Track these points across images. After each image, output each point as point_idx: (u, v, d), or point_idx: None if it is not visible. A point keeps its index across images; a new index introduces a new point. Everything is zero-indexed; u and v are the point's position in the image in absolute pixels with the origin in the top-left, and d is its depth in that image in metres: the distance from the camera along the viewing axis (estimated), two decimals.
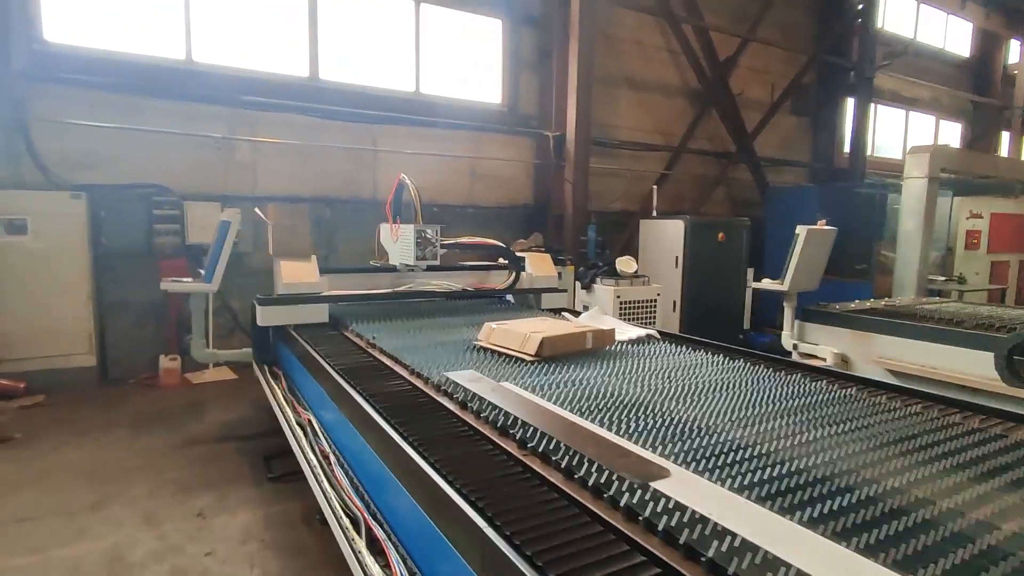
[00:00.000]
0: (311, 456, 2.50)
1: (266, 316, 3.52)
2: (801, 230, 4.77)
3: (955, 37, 12.98)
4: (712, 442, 1.63)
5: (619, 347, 3.03)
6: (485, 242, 4.29)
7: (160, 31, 5.47)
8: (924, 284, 6.37)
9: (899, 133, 12.38)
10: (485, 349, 2.86)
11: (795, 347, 4.95)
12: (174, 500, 3.15)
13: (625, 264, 5.47)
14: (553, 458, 1.48)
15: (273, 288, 3.98)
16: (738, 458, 1.53)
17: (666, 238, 6.40)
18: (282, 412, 3.25)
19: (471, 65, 7.19)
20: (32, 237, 4.82)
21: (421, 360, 2.59)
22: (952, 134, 13.32)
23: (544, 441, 1.58)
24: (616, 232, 7.76)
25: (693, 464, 1.47)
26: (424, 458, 1.51)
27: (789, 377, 2.46)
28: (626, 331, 3.26)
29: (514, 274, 4.37)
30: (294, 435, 2.86)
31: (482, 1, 7.00)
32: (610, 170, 7.84)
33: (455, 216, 6.72)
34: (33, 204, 4.83)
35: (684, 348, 3.08)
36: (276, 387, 3.62)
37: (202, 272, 3.96)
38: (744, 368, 2.62)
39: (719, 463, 1.49)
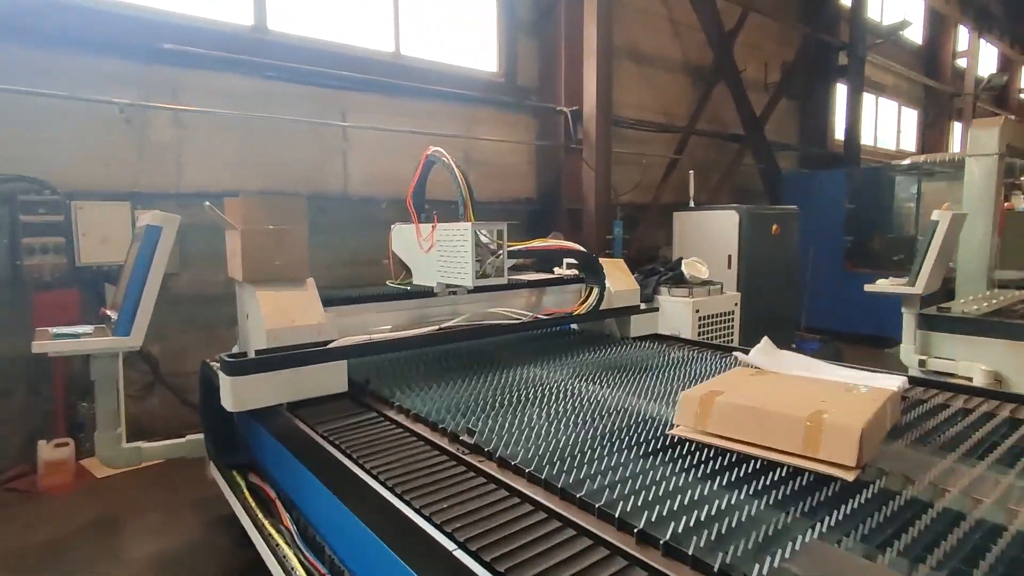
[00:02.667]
0: None
1: (243, 393, 1.98)
2: (941, 216, 3.77)
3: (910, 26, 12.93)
4: None
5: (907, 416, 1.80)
6: (563, 246, 2.93)
7: None
8: (992, 277, 5.63)
9: (868, 119, 12.12)
10: (707, 447, 1.53)
11: (921, 363, 3.94)
12: None
13: (694, 268, 4.26)
14: None
15: (240, 334, 2.44)
16: None
17: (714, 233, 5.28)
18: (274, 555, 1.77)
19: (460, 24, 5.74)
20: None
21: (618, 499, 1.25)
22: (911, 121, 13.31)
23: None
24: (627, 229, 6.58)
25: None
26: None
27: None
28: (868, 380, 2.02)
29: (595, 291, 3.04)
30: None
31: None
32: (618, 154, 6.64)
33: (448, 214, 5.26)
34: None
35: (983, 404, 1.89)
36: (256, 510, 2.11)
37: (110, 314, 2.34)
38: None
39: None
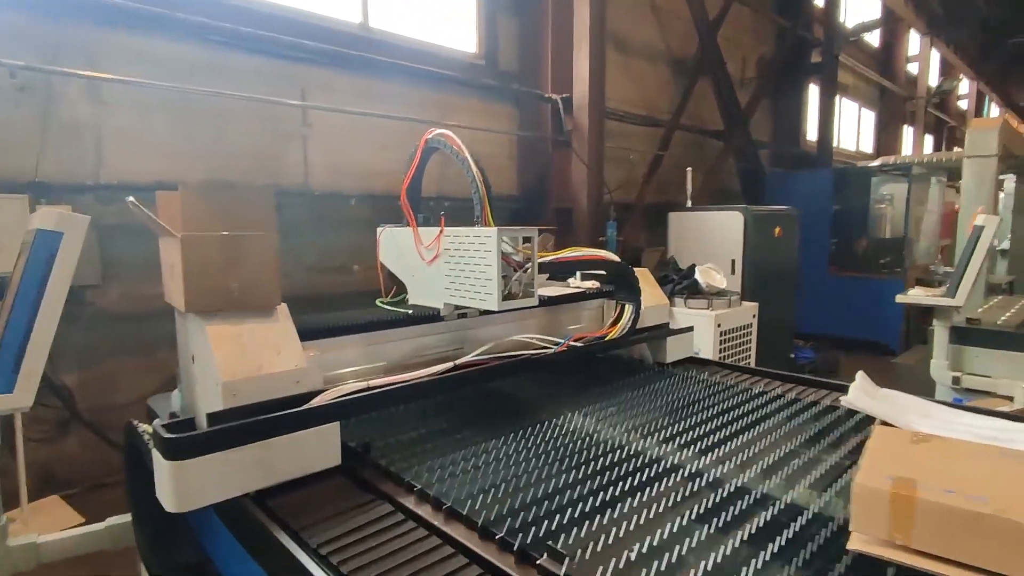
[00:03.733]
0: None
1: (189, 484, 1.32)
2: (987, 221, 3.45)
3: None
4: None
5: None
6: (597, 256, 2.37)
7: None
8: (989, 281, 5.49)
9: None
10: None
11: (955, 380, 3.63)
12: None
13: (709, 276, 3.81)
14: None
15: (183, 385, 1.78)
16: None
17: (715, 235, 4.86)
18: None
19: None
20: None
21: None
22: (868, 123, 13.53)
23: None
24: (597, 231, 6.10)
25: None
26: None
27: None
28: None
29: (629, 309, 2.51)
30: None
31: None
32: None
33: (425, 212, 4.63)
34: None
35: None
36: None
37: None
38: None
39: None
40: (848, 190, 7.26)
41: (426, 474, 1.47)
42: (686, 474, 1.48)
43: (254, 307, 1.62)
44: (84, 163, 3.29)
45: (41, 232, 1.53)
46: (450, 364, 1.93)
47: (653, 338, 2.66)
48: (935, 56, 15.26)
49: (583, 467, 1.51)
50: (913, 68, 14.09)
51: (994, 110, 20.62)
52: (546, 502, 1.31)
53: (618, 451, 1.59)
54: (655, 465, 1.52)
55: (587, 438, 1.69)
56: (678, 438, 1.71)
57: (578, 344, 2.29)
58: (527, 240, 2.04)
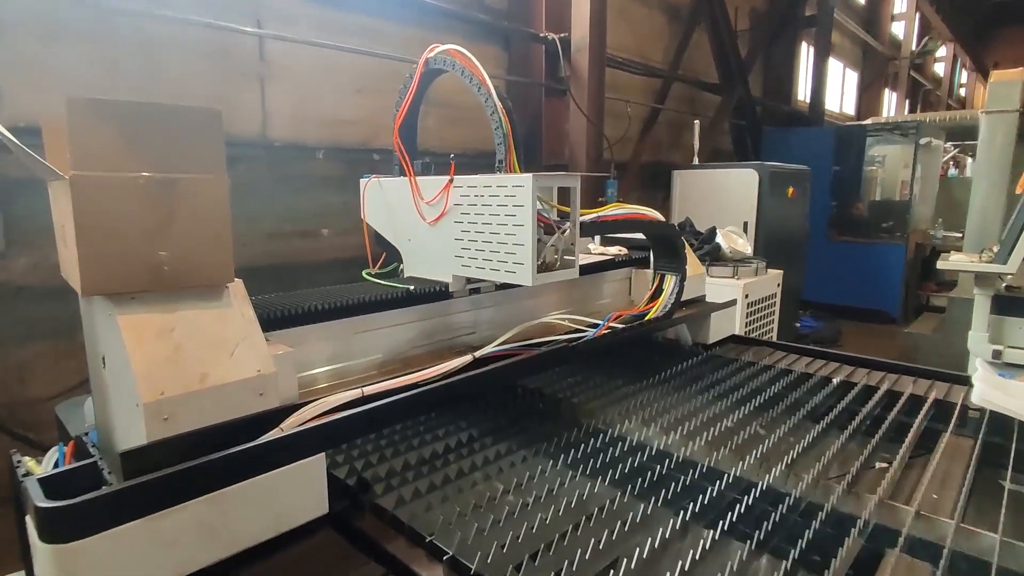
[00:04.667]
0: None
1: (89, 571, 0.82)
2: None
3: None
4: None
5: None
6: (644, 215, 1.89)
7: None
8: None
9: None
10: None
11: (996, 354, 3.33)
12: None
13: (732, 240, 3.39)
14: None
15: (93, 400, 1.26)
16: None
17: (725, 196, 4.44)
18: None
19: None
20: None
21: None
22: (851, 84, 13.24)
23: None
24: (596, 191, 5.63)
25: None
26: None
27: None
28: None
29: (672, 281, 2.06)
30: None
31: None
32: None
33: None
34: None
35: None
36: None
37: None
38: None
39: None
40: (848, 150, 6.93)
41: (447, 520, 1.01)
42: (828, 520, 1.05)
43: (194, 285, 1.10)
44: None
45: None
46: (469, 357, 1.45)
47: (699, 315, 2.23)
48: (916, 18, 15.00)
49: (679, 511, 1.06)
50: (896, 29, 13.81)
51: (964, 75, 20.72)
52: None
53: (723, 483, 1.15)
54: (779, 504, 1.08)
55: (667, 460, 1.25)
56: (804, 463, 1.28)
57: (618, 326, 1.84)
58: (563, 192, 1.56)
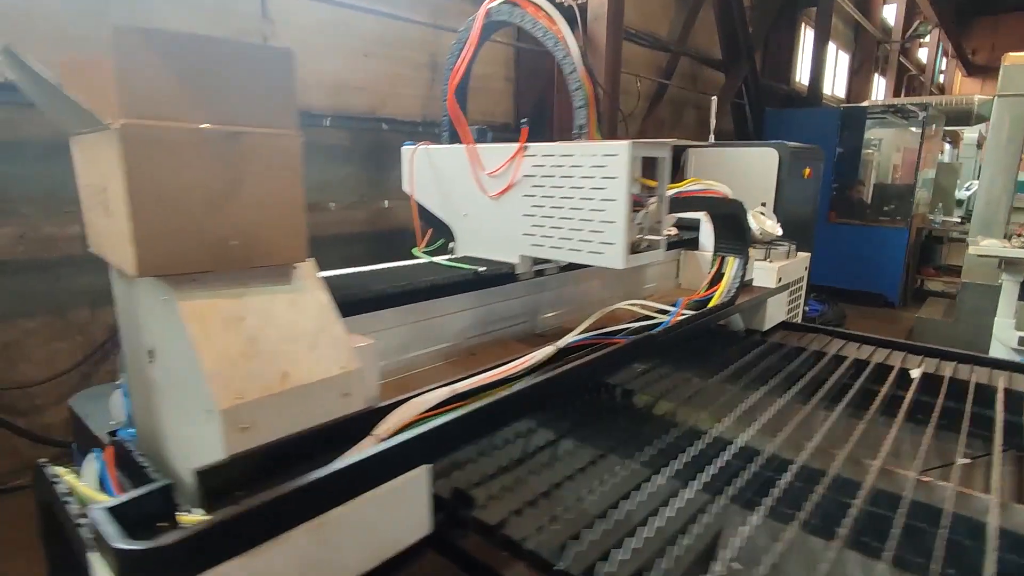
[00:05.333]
0: None
1: None
2: None
3: None
4: None
5: None
6: (717, 191, 1.74)
7: None
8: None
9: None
10: None
11: (1022, 341, 3.31)
12: None
13: (761, 221, 3.25)
14: None
15: (133, 401, 1.06)
16: None
17: (743, 175, 4.32)
18: None
19: None
20: None
21: None
22: (842, 66, 13.21)
23: None
24: None
25: None
26: None
27: None
28: None
29: (734, 264, 1.92)
30: None
31: None
32: None
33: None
34: None
35: None
36: None
37: None
38: None
39: None
40: (851, 133, 6.86)
41: (567, 541, 0.86)
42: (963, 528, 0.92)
43: (264, 265, 0.91)
44: None
45: None
46: (551, 348, 1.29)
47: (758, 300, 2.11)
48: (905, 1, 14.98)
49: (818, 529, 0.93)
50: (887, 13, 13.78)
51: (943, 63, 20.92)
52: None
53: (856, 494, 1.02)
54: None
55: (786, 466, 1.11)
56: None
57: (689, 312, 1.69)
58: (651, 163, 1.40)
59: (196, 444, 0.84)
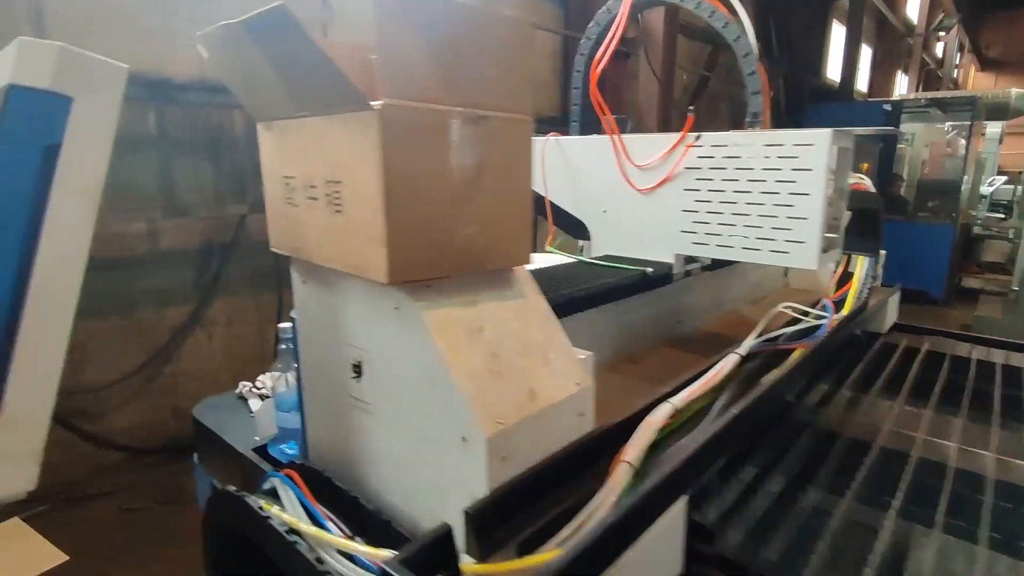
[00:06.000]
0: None
1: None
2: None
3: None
4: None
5: None
6: (860, 184, 1.63)
7: None
8: None
9: (836, 52, 11.55)
10: None
11: None
12: None
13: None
14: None
15: (277, 397, 0.94)
16: None
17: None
18: None
19: None
20: None
21: None
22: (865, 60, 13.02)
23: None
24: None
25: None
26: None
27: None
28: None
29: (864, 264, 1.81)
30: None
31: None
32: None
33: None
34: None
35: None
36: None
37: None
38: None
39: None
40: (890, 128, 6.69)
41: None
42: None
43: (490, 267, 0.81)
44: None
45: (20, 94, 0.65)
46: (735, 357, 1.18)
47: (885, 301, 1.99)
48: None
49: None
50: (910, 6, 13.59)
51: (957, 57, 20.69)
52: None
53: None
54: None
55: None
56: None
57: (840, 316, 1.58)
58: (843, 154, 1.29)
59: (436, 475, 0.73)
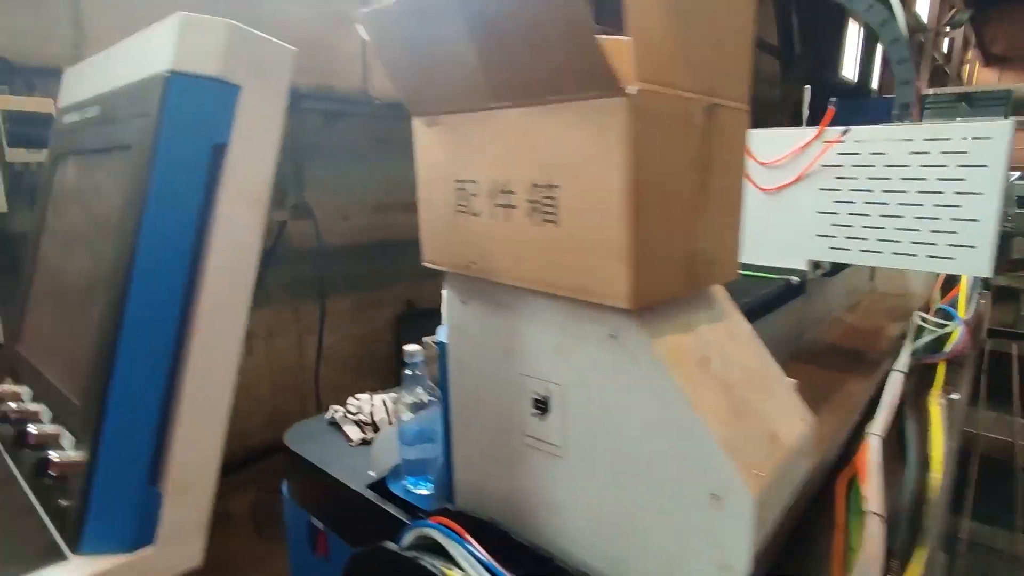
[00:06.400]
0: None
1: None
2: None
3: None
4: None
5: None
6: None
7: None
8: None
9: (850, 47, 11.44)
10: None
11: None
12: None
13: None
14: None
15: (383, 437, 0.81)
16: None
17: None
18: None
19: None
20: None
21: None
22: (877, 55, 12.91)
23: None
24: None
25: None
26: None
27: None
28: None
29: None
30: None
31: None
32: None
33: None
34: None
35: None
36: None
37: None
38: None
39: None
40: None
41: None
42: None
43: (707, 283, 0.69)
44: (56, 39, 2.08)
45: (179, 81, 0.53)
46: (899, 375, 1.06)
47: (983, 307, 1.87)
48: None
49: None
50: (920, 3, 13.48)
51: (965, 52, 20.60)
52: None
53: None
54: None
55: None
56: None
57: (969, 323, 1.47)
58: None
59: (665, 538, 0.61)
